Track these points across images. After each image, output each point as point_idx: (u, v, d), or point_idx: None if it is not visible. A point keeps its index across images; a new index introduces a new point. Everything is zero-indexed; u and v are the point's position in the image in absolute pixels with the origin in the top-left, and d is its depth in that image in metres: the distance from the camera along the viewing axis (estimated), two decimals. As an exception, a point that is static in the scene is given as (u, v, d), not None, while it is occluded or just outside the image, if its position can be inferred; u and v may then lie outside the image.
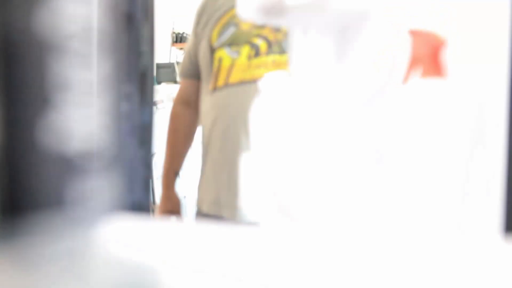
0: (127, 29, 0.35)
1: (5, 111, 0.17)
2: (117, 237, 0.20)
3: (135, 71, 0.41)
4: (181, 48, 4.31)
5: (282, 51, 0.82)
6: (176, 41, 4.17)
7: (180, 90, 0.97)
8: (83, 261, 0.18)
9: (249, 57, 0.82)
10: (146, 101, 0.45)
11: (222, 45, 0.84)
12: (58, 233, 0.19)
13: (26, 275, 0.16)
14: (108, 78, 0.21)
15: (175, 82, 3.35)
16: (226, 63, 0.84)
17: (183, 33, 4.21)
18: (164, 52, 4.10)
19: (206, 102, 0.88)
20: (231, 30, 0.84)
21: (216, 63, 0.86)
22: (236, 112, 0.82)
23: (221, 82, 0.84)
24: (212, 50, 0.86)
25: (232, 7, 0.82)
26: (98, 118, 0.20)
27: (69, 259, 0.18)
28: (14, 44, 0.17)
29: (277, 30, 0.80)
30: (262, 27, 0.81)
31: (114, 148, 0.23)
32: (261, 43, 0.82)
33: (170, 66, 3.40)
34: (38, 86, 0.18)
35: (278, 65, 0.81)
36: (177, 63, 3.50)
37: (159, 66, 3.34)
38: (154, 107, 0.55)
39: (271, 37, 0.81)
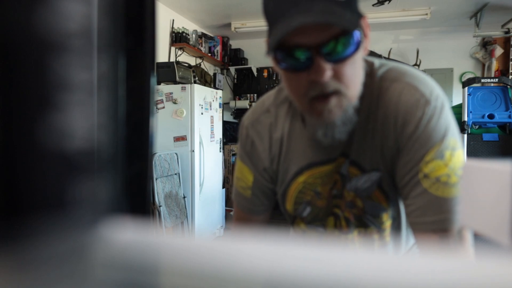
0: (127, 29, 0.35)
1: (5, 111, 0.17)
2: (116, 238, 0.20)
3: (135, 71, 0.41)
4: (180, 48, 4.31)
5: (363, 225, 0.78)
6: (175, 41, 4.17)
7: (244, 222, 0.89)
8: (83, 262, 0.18)
9: (338, 227, 0.80)
10: (146, 101, 0.45)
11: (302, 221, 0.83)
12: (58, 233, 0.19)
13: (25, 275, 0.16)
14: (108, 78, 0.21)
15: (175, 82, 3.35)
16: (312, 233, 0.82)
17: (182, 32, 4.21)
18: (164, 52, 4.09)
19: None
20: (307, 210, 0.81)
21: (299, 229, 0.84)
22: None
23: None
24: (290, 216, 0.85)
25: (298, 172, 0.78)
26: (98, 118, 0.20)
27: (69, 260, 0.18)
28: (14, 44, 0.17)
29: (352, 206, 0.77)
30: (338, 197, 0.78)
31: (114, 148, 0.23)
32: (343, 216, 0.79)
33: (169, 66, 3.40)
34: (38, 86, 0.18)
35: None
36: (177, 63, 3.50)
37: (158, 66, 3.33)
38: (154, 107, 0.55)
39: (347, 214, 0.78)
